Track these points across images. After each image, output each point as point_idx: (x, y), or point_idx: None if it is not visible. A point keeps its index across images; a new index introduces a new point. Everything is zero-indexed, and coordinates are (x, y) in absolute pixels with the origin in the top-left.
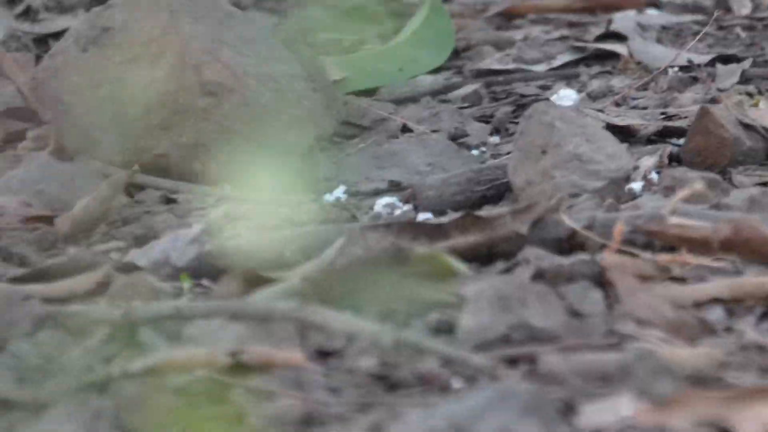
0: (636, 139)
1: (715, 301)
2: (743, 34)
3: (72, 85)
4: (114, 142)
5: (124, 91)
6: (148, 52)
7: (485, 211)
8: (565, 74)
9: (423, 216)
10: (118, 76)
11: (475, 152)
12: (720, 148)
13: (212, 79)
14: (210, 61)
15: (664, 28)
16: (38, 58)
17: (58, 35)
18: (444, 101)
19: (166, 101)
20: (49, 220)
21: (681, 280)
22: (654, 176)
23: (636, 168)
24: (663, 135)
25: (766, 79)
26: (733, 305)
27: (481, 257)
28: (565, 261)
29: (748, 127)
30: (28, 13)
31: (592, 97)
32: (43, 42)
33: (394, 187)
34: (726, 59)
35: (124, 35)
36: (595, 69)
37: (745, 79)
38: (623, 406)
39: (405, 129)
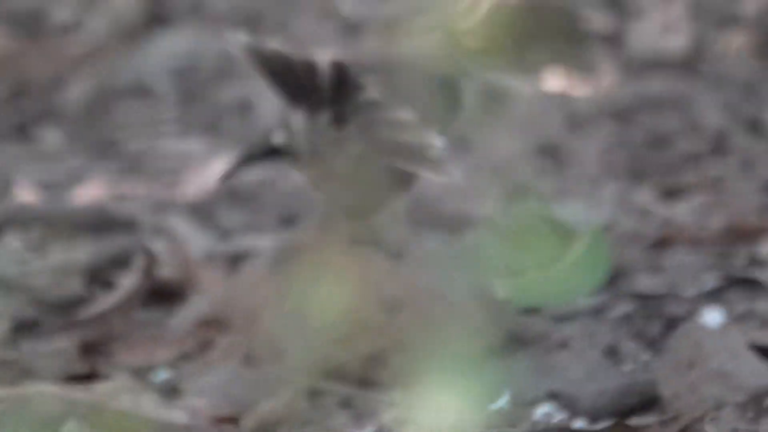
0: None
1: None
2: None
3: (262, 299)
4: (298, 351)
5: (309, 305)
6: (333, 271)
7: (635, 420)
8: (713, 298)
9: (578, 424)
10: (304, 292)
11: (627, 367)
12: None
13: (390, 296)
14: (389, 281)
15: None
16: (230, 275)
17: (250, 253)
18: (600, 320)
19: (347, 316)
20: (235, 421)
21: None
22: None
23: None
24: None
25: None
26: None
27: None
28: None
29: None
30: (225, 233)
31: (738, 319)
32: (237, 259)
33: (553, 397)
34: None
35: (311, 255)
36: (740, 294)
37: None
38: None
39: (564, 344)
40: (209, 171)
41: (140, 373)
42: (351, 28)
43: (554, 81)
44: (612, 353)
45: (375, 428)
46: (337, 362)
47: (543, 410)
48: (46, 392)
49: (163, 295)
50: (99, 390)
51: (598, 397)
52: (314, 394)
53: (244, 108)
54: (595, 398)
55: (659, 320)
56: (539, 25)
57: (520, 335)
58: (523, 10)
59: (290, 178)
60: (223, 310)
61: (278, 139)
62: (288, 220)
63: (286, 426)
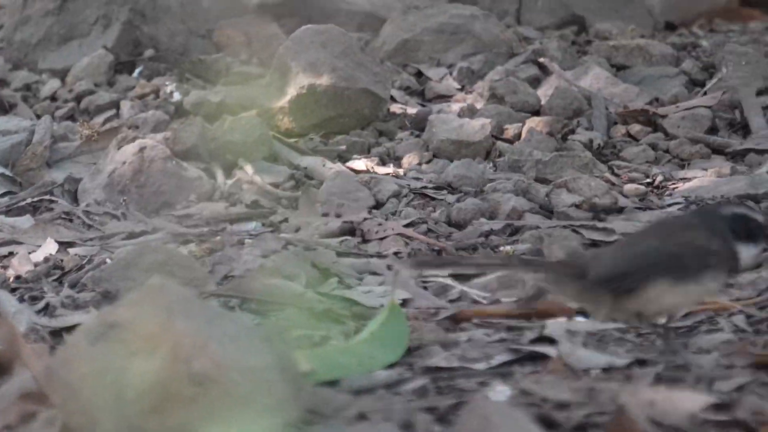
0: (561, 429)
1: None
2: (658, 342)
3: (80, 374)
4: (112, 422)
5: (124, 379)
6: (147, 346)
7: None
8: (502, 372)
9: None
10: (121, 366)
11: None
12: None
13: (200, 371)
14: (199, 355)
15: (590, 333)
16: (53, 349)
17: (71, 329)
18: (396, 393)
19: (158, 388)
20: None
21: None
22: None
23: None
24: (583, 428)
25: (677, 381)
26: None
27: None
28: None
29: (658, 424)
30: (47, 309)
31: (524, 393)
32: (58, 335)
33: None
34: (642, 362)
35: (127, 331)
36: (528, 368)
37: (658, 381)
38: None
39: (361, 417)
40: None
41: None
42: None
43: (359, 162)
44: (407, 426)
45: None
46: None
47: None
48: None
49: None
50: None
51: None
52: None
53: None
54: None
55: (451, 393)
56: (345, 108)
57: (321, 407)
58: (330, 94)
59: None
60: (45, 383)
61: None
62: (107, 297)
63: None
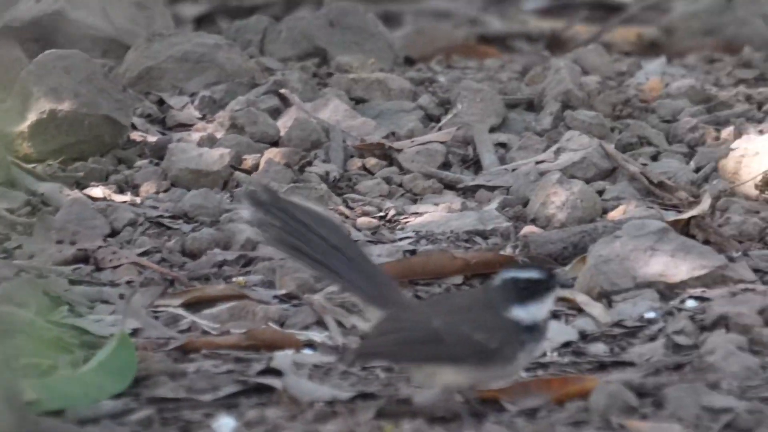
0: None
1: None
2: (382, 375)
3: None
4: None
5: None
6: None
7: None
8: (228, 404)
9: None
10: None
11: None
12: None
13: None
14: None
15: (316, 366)
16: None
17: None
18: (121, 424)
19: None
20: None
21: None
22: None
23: None
24: None
25: (399, 415)
26: None
27: None
28: None
29: None
30: None
31: (249, 425)
32: None
33: None
34: (365, 396)
35: None
36: (254, 400)
37: (380, 415)
38: None
39: None
40: None
41: None
42: None
43: (97, 189)
44: None
45: None
46: None
47: None
48: None
49: None
50: None
51: None
52: None
53: None
54: None
55: (176, 425)
56: (86, 135)
57: None
58: (71, 120)
59: None
60: None
61: None
62: None
63: None
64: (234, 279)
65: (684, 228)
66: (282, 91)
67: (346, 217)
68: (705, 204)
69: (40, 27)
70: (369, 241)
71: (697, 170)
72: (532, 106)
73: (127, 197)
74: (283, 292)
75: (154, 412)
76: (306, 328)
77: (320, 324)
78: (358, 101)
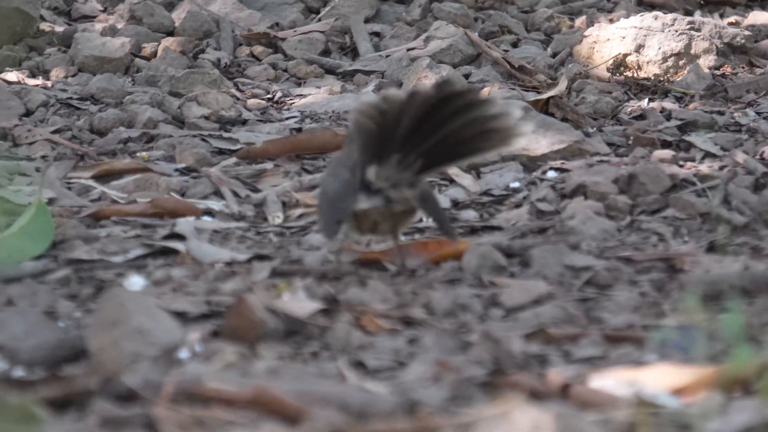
0: (187, 318)
1: None
2: (275, 239)
3: None
4: None
5: None
6: None
7: (66, 371)
8: (137, 265)
9: (18, 373)
10: None
11: (62, 324)
12: (250, 328)
13: None
14: None
15: (215, 231)
16: None
17: None
18: (42, 282)
19: None
20: None
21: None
22: (198, 348)
23: (185, 341)
24: (208, 316)
25: (291, 274)
26: None
27: (62, 407)
28: (124, 413)
29: (273, 312)
30: None
31: (156, 283)
32: None
33: None
34: (261, 257)
35: None
36: (160, 262)
37: (274, 274)
38: None
39: (9, 303)
40: None
41: None
42: None
43: (11, 74)
44: (51, 311)
45: None
46: None
47: None
48: None
49: None
50: None
51: (36, 349)
52: None
53: None
54: (33, 351)
55: (91, 283)
56: None
57: None
58: None
59: None
60: None
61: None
62: None
63: None
64: (138, 154)
65: (543, 107)
66: None
67: (237, 99)
68: (562, 85)
69: None
70: (259, 120)
71: (554, 55)
72: None
73: (39, 81)
74: (183, 165)
75: (71, 272)
76: (205, 197)
77: (217, 194)
78: None
